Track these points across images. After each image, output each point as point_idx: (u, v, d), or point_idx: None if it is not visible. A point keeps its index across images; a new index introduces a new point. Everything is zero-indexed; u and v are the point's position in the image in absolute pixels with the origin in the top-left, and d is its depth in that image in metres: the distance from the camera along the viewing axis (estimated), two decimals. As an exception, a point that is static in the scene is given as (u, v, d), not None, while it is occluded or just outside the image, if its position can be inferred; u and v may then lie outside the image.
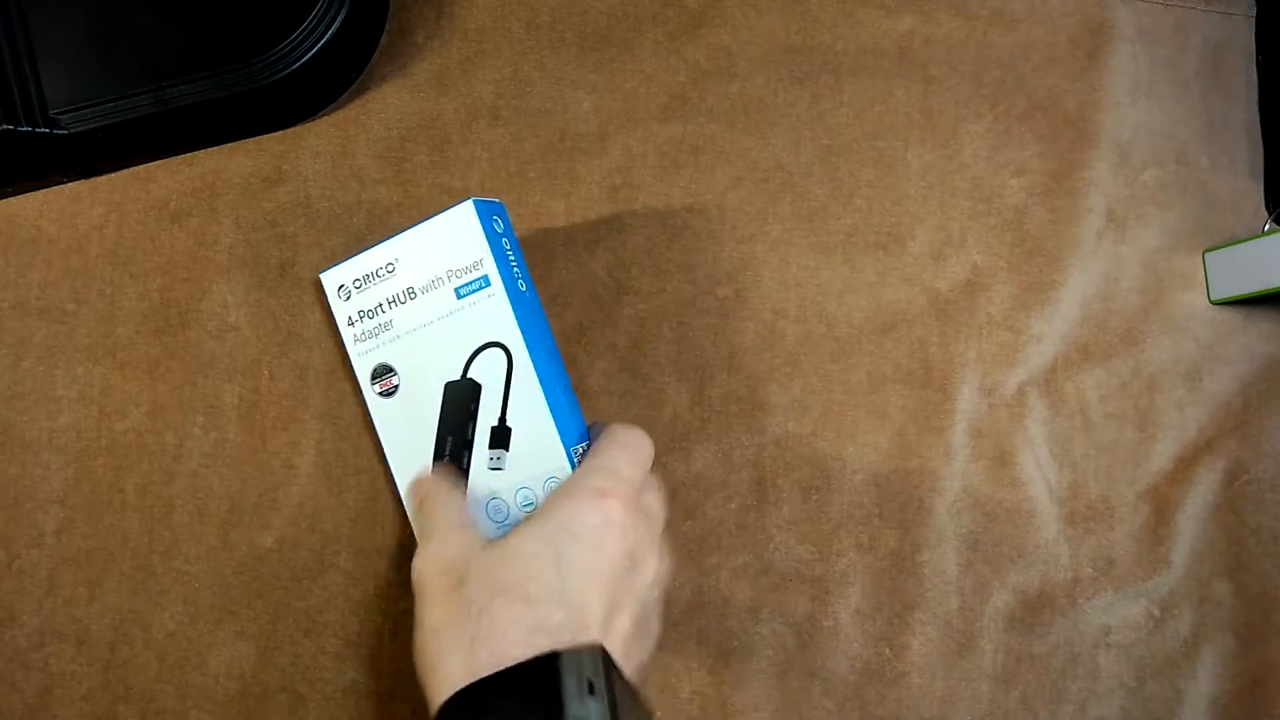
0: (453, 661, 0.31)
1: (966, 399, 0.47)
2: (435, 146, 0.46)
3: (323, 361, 0.45)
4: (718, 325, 0.47)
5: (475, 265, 0.39)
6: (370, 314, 0.41)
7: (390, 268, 0.40)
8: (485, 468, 0.39)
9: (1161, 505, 0.48)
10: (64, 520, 0.43)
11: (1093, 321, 0.49)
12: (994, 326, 0.48)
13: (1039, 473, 0.47)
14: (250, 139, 0.46)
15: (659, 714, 0.44)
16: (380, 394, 0.41)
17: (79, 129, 0.42)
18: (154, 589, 0.43)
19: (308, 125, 0.46)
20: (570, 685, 0.29)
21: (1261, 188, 0.51)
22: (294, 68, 0.43)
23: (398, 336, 0.40)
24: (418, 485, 0.39)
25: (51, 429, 0.43)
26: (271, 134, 0.46)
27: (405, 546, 0.44)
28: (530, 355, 0.39)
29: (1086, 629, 0.46)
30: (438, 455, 0.40)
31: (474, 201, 0.39)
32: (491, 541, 0.34)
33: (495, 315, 0.39)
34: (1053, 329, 0.48)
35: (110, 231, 0.45)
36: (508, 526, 0.39)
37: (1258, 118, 0.51)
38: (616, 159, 0.47)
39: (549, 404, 0.38)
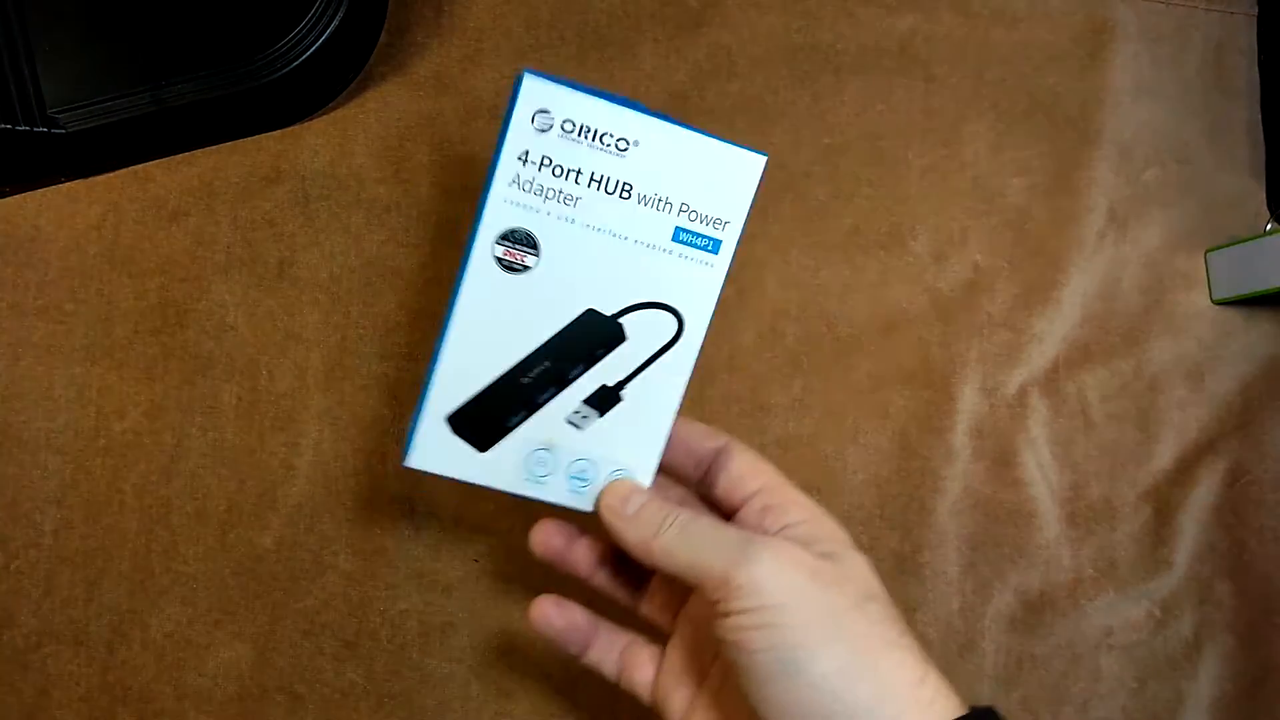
0: (907, 700, 0.28)
1: (968, 399, 0.47)
2: (435, 146, 0.46)
3: (322, 361, 0.44)
4: (718, 325, 0.46)
5: (719, 224, 0.33)
6: (560, 172, 0.32)
7: (623, 145, 0.32)
8: (560, 416, 0.33)
9: (1163, 506, 0.48)
10: (62, 520, 0.43)
11: (1094, 321, 0.49)
12: (995, 326, 0.48)
13: (1040, 473, 0.47)
14: (248, 138, 0.46)
15: None
16: (500, 260, 0.32)
17: (77, 128, 0.41)
18: (152, 589, 0.43)
19: (306, 124, 0.46)
20: None
21: (1263, 187, 0.51)
22: (292, 66, 0.42)
23: (572, 220, 0.32)
24: (628, 491, 0.33)
25: (49, 429, 0.43)
26: (270, 133, 0.46)
27: (406, 546, 0.44)
28: (699, 348, 0.34)
29: (1088, 630, 0.46)
30: (516, 370, 0.33)
31: (766, 159, 0.33)
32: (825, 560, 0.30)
33: (698, 285, 0.33)
34: (1054, 329, 0.48)
35: (108, 231, 0.45)
36: (542, 483, 0.34)
37: (1259, 117, 0.51)
38: (616, 158, 0.47)
39: (679, 405, 0.34)
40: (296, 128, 0.46)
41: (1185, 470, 0.48)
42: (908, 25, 0.49)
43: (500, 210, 0.32)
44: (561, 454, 0.34)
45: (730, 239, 0.33)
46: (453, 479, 0.34)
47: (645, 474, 0.34)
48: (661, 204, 0.33)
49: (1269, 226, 0.50)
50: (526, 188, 0.32)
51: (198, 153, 0.45)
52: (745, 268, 0.47)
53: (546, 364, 0.33)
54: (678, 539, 0.31)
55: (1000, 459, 0.47)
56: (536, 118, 0.31)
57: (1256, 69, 0.52)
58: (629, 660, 0.36)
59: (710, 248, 0.33)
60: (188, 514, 0.43)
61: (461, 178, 0.46)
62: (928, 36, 0.49)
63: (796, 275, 0.47)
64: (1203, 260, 0.50)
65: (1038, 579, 0.46)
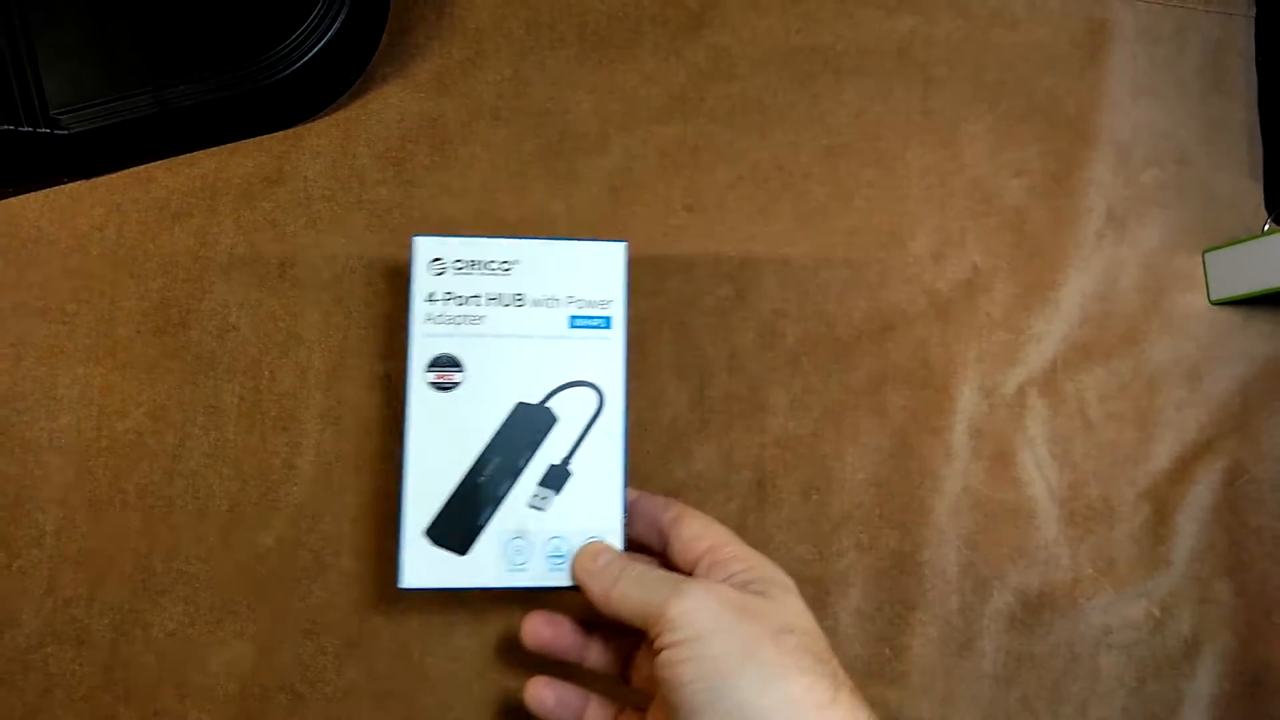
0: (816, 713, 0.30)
1: (966, 399, 0.47)
2: (435, 146, 0.46)
3: (323, 362, 0.45)
4: (718, 325, 0.47)
5: (604, 304, 0.38)
6: (460, 300, 0.38)
7: (506, 266, 0.38)
8: (524, 503, 0.37)
9: (1161, 505, 0.48)
10: (64, 520, 0.43)
11: (1093, 321, 0.49)
12: (994, 326, 0.48)
13: (1039, 473, 0.47)
14: (251, 139, 0.46)
15: None
16: (433, 384, 0.38)
17: (79, 129, 0.42)
18: (154, 589, 0.43)
19: (308, 125, 0.46)
20: None
21: (1261, 188, 0.51)
22: (294, 68, 0.43)
23: (482, 335, 0.38)
24: (597, 550, 0.37)
25: (52, 429, 0.43)
26: (272, 134, 0.46)
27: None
28: (623, 410, 0.38)
29: (1087, 629, 0.46)
30: (472, 473, 0.37)
31: (626, 246, 0.39)
32: (754, 594, 0.33)
33: (602, 357, 0.38)
34: (1053, 329, 0.48)
35: (110, 232, 0.45)
36: (523, 570, 0.37)
37: (1257, 118, 0.51)
38: (616, 159, 0.47)
39: (624, 465, 0.38)
40: (299, 129, 0.46)
41: (1184, 470, 0.48)
42: (907, 27, 0.50)
43: (423, 344, 0.38)
44: (535, 538, 0.37)
45: (618, 314, 0.39)
46: (446, 589, 0.37)
47: (614, 535, 0.37)
48: (551, 302, 0.38)
49: (1267, 227, 0.50)
50: (439, 320, 0.38)
51: (200, 154, 0.46)
52: (745, 268, 0.47)
53: (497, 459, 0.37)
54: (629, 586, 0.34)
55: (999, 459, 0.47)
56: (432, 265, 0.38)
57: (1254, 70, 0.52)
58: None
59: (603, 324, 0.39)
60: (190, 513, 0.43)
61: (463, 179, 0.46)
62: (927, 38, 0.50)
63: (796, 275, 0.47)
64: (1201, 260, 0.50)
65: (1037, 578, 0.47)
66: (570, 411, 0.38)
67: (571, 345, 0.38)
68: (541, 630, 0.38)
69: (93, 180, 0.45)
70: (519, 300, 0.38)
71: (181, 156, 0.45)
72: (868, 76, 0.49)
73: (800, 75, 0.49)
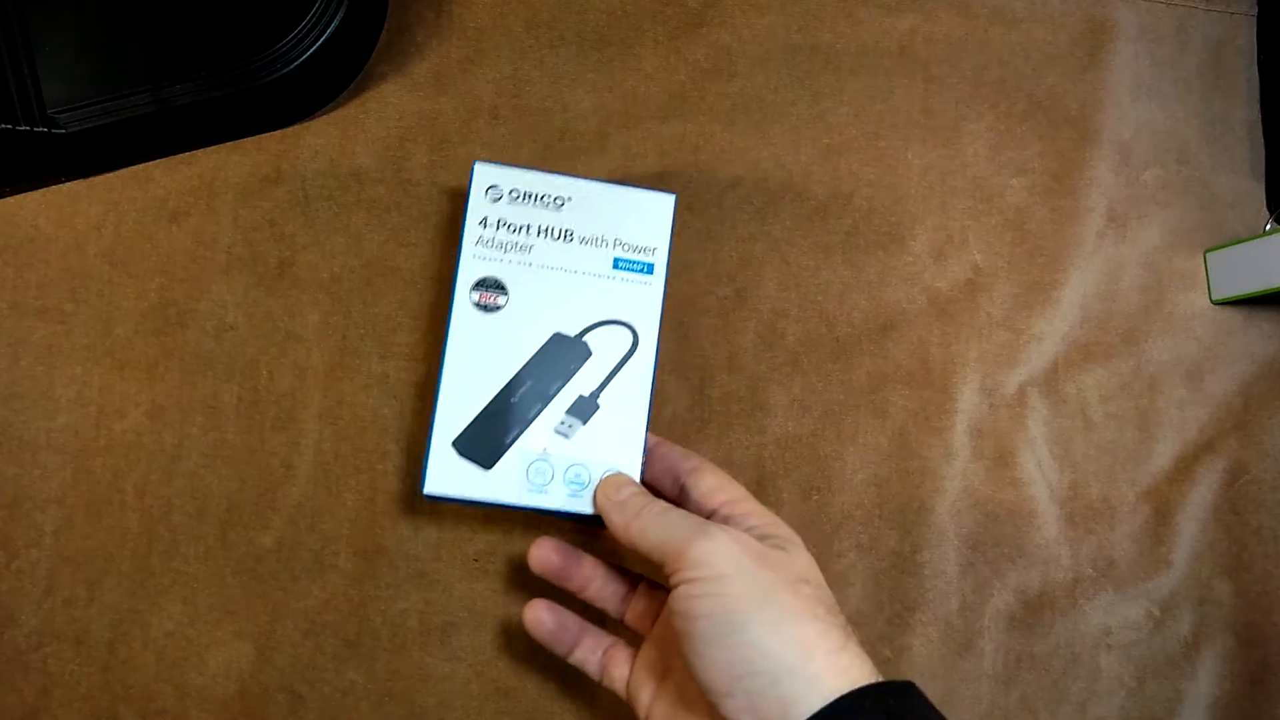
0: (825, 663, 0.31)
1: (967, 399, 0.47)
2: (435, 146, 0.46)
3: (322, 361, 0.44)
4: (718, 325, 0.47)
5: (648, 250, 0.40)
6: (512, 228, 0.40)
7: (559, 201, 0.40)
8: (550, 428, 0.39)
9: (1162, 505, 0.48)
10: (63, 520, 0.43)
11: (1093, 321, 0.49)
12: (994, 326, 0.48)
13: (1039, 473, 0.47)
14: (249, 138, 0.46)
15: None
16: (476, 304, 0.39)
17: (77, 128, 0.41)
18: (153, 589, 0.43)
19: (306, 124, 0.46)
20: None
21: (1263, 187, 0.51)
22: (293, 66, 0.42)
23: (529, 264, 0.40)
24: (620, 482, 0.38)
25: (50, 429, 0.43)
26: (270, 133, 0.46)
27: (406, 546, 0.44)
28: (655, 354, 0.39)
29: (1087, 629, 0.46)
30: (504, 392, 0.39)
31: (676, 197, 0.41)
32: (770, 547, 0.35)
33: (641, 301, 0.40)
34: (1053, 329, 0.48)
35: (108, 231, 0.45)
36: (543, 492, 0.38)
37: (1259, 117, 0.51)
38: (616, 158, 0.47)
39: (649, 406, 0.39)
40: (297, 128, 0.46)
41: (1184, 470, 0.48)
42: (907, 25, 0.49)
43: (471, 264, 0.40)
44: (557, 462, 0.38)
45: (660, 261, 0.40)
46: (467, 501, 0.38)
47: (633, 469, 0.39)
48: (599, 241, 0.40)
49: (1268, 226, 0.50)
50: (489, 244, 0.40)
51: (198, 153, 0.45)
52: (745, 267, 0.47)
53: (530, 383, 0.39)
54: (651, 520, 0.35)
55: (999, 459, 0.47)
56: (489, 191, 0.40)
57: (1256, 69, 0.52)
58: (609, 659, 0.40)
59: (646, 270, 0.40)
60: (188, 513, 0.43)
61: (461, 178, 0.46)
62: (927, 37, 0.50)
63: (796, 275, 0.47)
64: (1202, 260, 0.50)
65: (1037, 578, 0.47)
66: (604, 348, 0.39)
67: (613, 285, 0.40)
68: (550, 556, 0.39)
69: (90, 179, 0.45)
70: (568, 236, 0.40)
71: (179, 155, 0.45)
72: (868, 75, 0.49)
73: (800, 74, 0.49)
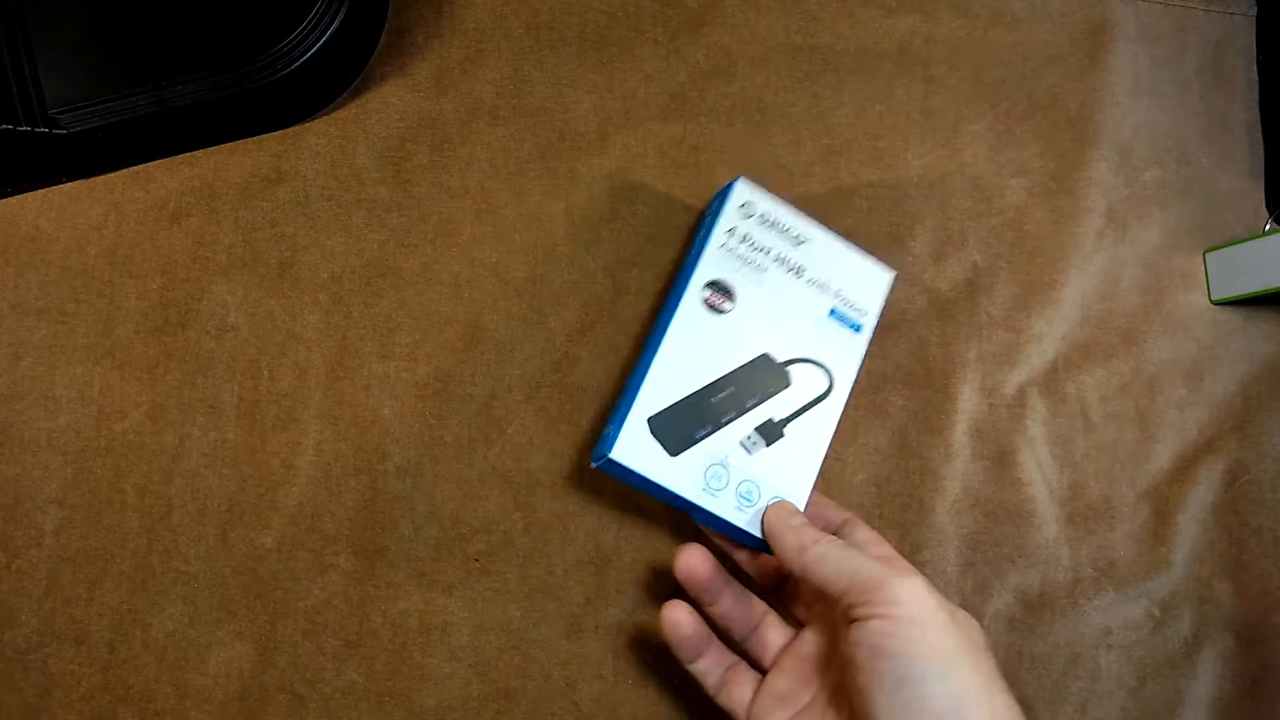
0: None
1: (967, 399, 0.47)
2: (435, 146, 0.46)
3: (322, 361, 0.45)
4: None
5: (861, 311, 0.43)
6: (753, 246, 0.42)
7: (799, 239, 0.42)
8: (735, 439, 0.40)
9: (1162, 505, 0.48)
10: (63, 520, 0.43)
11: (1093, 321, 0.49)
12: (994, 326, 0.48)
13: (1039, 473, 0.47)
14: (250, 139, 0.46)
15: None
16: (705, 302, 0.41)
17: (78, 129, 0.42)
18: (153, 589, 0.43)
19: (307, 125, 0.46)
20: None
21: (1262, 187, 0.51)
22: (293, 67, 0.42)
23: (761, 284, 0.41)
24: (792, 510, 0.39)
25: (50, 429, 0.43)
26: (271, 134, 0.46)
27: (406, 546, 0.44)
28: (845, 402, 0.41)
29: (1087, 629, 0.46)
30: (707, 390, 0.40)
31: (895, 275, 0.44)
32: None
33: (844, 352, 0.42)
34: (1053, 329, 0.48)
35: (109, 231, 0.45)
36: (714, 496, 0.39)
37: (1258, 117, 0.51)
38: (616, 159, 0.47)
39: (826, 449, 0.41)
40: (297, 128, 0.46)
41: (1184, 470, 0.48)
42: (907, 26, 0.50)
43: (711, 264, 0.41)
44: (734, 472, 0.39)
45: (869, 325, 0.43)
46: (640, 479, 0.38)
47: (800, 502, 0.40)
48: (822, 287, 0.42)
49: (1268, 226, 0.50)
50: (731, 252, 0.42)
51: (199, 153, 0.46)
52: (745, 268, 0.47)
53: (730, 390, 0.40)
54: (832, 550, 0.35)
55: (999, 459, 0.47)
56: (743, 207, 0.42)
57: (1255, 69, 0.52)
58: (731, 678, 0.39)
59: (854, 328, 0.42)
60: (189, 514, 0.43)
61: (462, 179, 0.46)
62: (927, 37, 0.50)
63: (796, 275, 0.47)
64: (1201, 260, 0.50)
65: (1037, 578, 0.47)
66: (801, 383, 0.41)
67: (824, 331, 0.42)
68: (702, 565, 0.39)
69: (91, 180, 0.45)
70: (799, 271, 0.42)
71: (180, 156, 0.45)
72: (868, 76, 0.49)
73: (800, 74, 0.49)
